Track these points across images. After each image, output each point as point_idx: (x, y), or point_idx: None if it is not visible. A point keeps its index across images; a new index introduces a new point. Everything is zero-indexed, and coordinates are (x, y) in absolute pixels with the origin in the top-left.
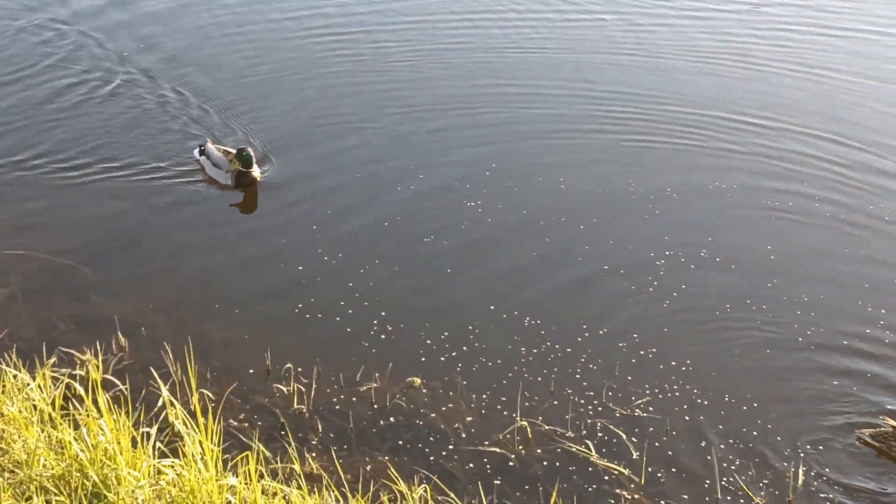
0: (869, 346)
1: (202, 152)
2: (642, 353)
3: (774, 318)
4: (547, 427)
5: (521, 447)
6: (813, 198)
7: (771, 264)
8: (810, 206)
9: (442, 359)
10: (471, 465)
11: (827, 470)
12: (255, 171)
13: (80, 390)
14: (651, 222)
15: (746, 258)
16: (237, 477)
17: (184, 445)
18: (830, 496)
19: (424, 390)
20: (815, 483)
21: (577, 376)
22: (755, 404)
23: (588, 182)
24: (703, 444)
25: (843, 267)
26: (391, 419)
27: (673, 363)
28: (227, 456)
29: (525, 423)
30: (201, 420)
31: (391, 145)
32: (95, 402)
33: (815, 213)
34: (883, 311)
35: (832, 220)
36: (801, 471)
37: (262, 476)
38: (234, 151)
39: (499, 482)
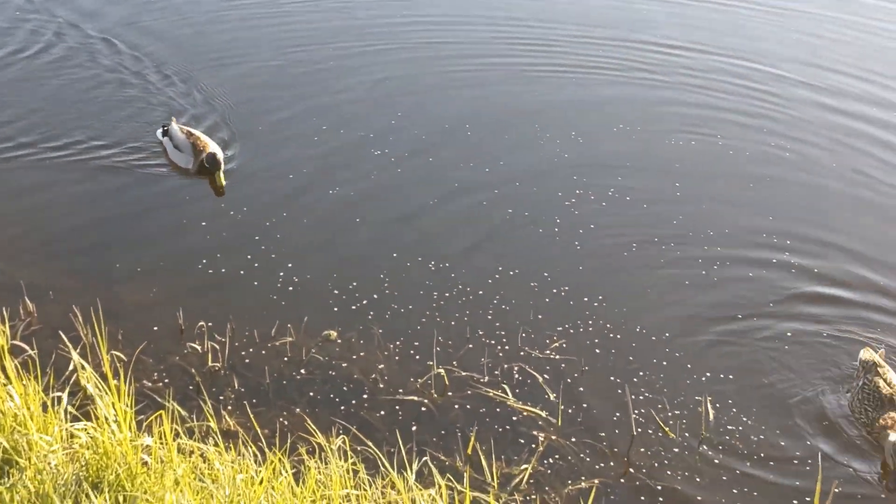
0: (782, 266)
1: (165, 133)
2: (555, 291)
3: (687, 251)
4: (463, 373)
5: (438, 394)
6: (722, 118)
7: (680, 189)
8: (720, 126)
9: (354, 308)
10: (389, 414)
11: (737, 403)
12: (221, 179)
13: None
14: (558, 158)
15: (654, 185)
16: (152, 437)
17: (96, 408)
18: (740, 429)
19: (340, 342)
20: (725, 417)
21: (491, 319)
22: (667, 336)
23: (494, 120)
24: (618, 381)
25: (757, 190)
26: (307, 373)
27: (585, 299)
28: (142, 417)
29: (441, 371)
30: (112, 382)
31: (299, 103)
32: (3, 368)
33: (725, 135)
34: (794, 232)
35: (739, 140)
36: (710, 406)
37: (178, 435)
38: (198, 133)
39: (417, 430)
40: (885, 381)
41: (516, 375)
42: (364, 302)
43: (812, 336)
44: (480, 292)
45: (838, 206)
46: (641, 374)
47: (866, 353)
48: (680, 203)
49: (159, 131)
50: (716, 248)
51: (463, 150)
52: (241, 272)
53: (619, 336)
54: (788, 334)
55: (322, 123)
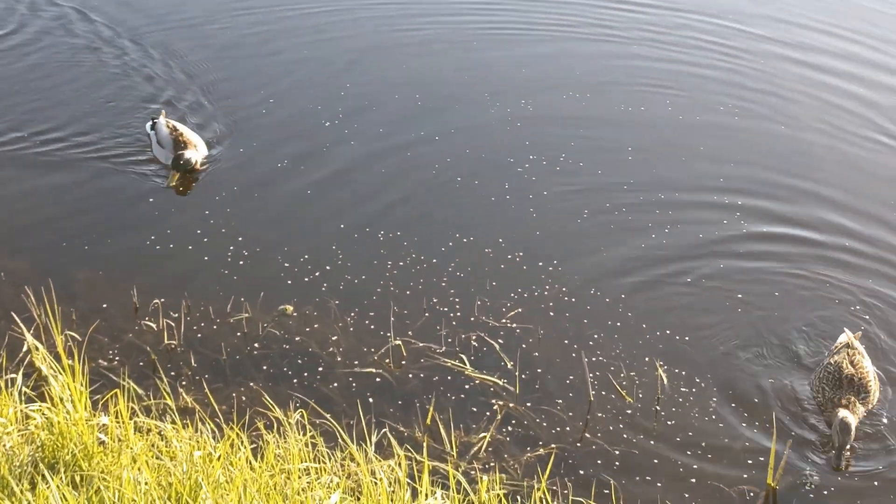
0: (738, 214)
1: (153, 126)
2: (510, 257)
3: (642, 212)
4: (420, 344)
5: (395, 366)
6: (683, 72)
7: (636, 148)
8: (675, 79)
9: (308, 281)
10: (347, 386)
11: (691, 366)
12: (174, 178)
13: None
14: (510, 121)
15: (610, 144)
16: (108, 416)
17: (51, 389)
18: (695, 391)
19: (296, 316)
20: (679, 381)
21: (446, 288)
22: (623, 298)
23: (446, 86)
24: (574, 346)
25: (715, 146)
26: (264, 347)
27: (540, 263)
28: (98, 396)
29: (398, 342)
30: (67, 362)
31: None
32: None
33: (685, 88)
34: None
35: (701, 93)
36: (663, 373)
37: (134, 414)
38: (183, 129)
39: (376, 401)
40: (850, 362)
41: (473, 344)
42: (318, 275)
43: (773, 283)
44: (434, 260)
45: (803, 154)
46: (598, 338)
47: (844, 337)
48: (635, 163)
49: (148, 124)
50: (668, 212)
51: (411, 118)
52: (192, 248)
53: (574, 300)
54: (745, 293)
55: (269, 95)
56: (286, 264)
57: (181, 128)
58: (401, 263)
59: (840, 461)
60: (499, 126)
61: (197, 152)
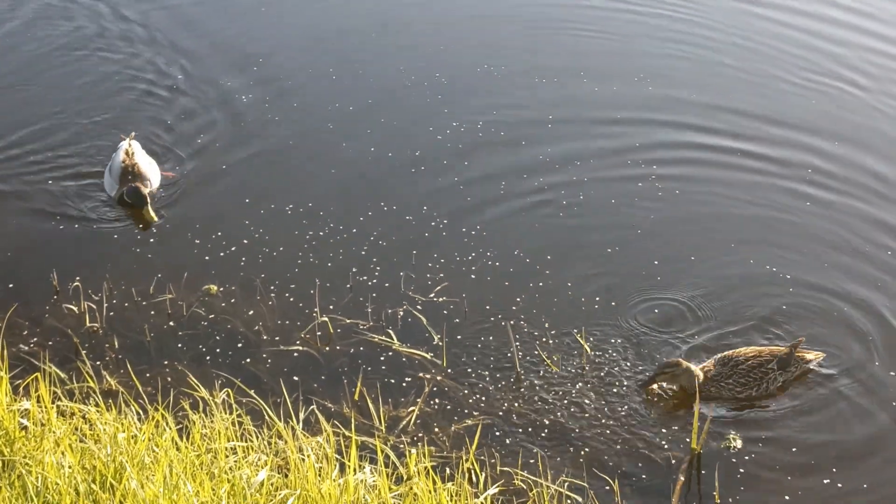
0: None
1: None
2: (433, 224)
3: (563, 173)
4: (348, 321)
5: (323, 343)
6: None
7: (563, 105)
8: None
9: (231, 260)
10: (274, 365)
11: (615, 334)
12: (150, 213)
13: None
14: (427, 78)
15: (536, 101)
16: (30, 400)
17: None
18: (620, 357)
19: (221, 295)
20: (603, 347)
21: (371, 262)
22: (548, 271)
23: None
24: (500, 317)
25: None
26: (189, 328)
27: (463, 229)
28: (19, 381)
29: (326, 319)
30: None
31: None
32: None
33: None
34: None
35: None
36: (586, 342)
37: (57, 398)
38: (140, 160)
39: (303, 379)
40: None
41: (400, 321)
42: (241, 253)
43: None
44: (354, 230)
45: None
46: (524, 309)
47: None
48: (559, 123)
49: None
50: (589, 172)
51: (325, 81)
52: (112, 230)
53: (500, 269)
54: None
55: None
56: (208, 245)
57: (139, 157)
58: (321, 236)
59: (647, 385)
60: (416, 83)
61: (144, 186)
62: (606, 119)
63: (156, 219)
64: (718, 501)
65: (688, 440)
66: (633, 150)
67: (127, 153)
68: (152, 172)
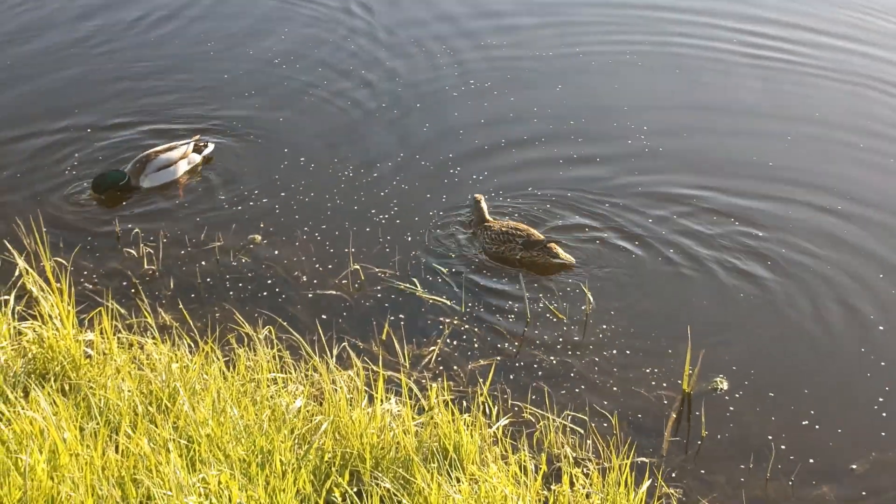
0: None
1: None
2: (457, 181)
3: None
4: (377, 269)
5: (354, 289)
6: None
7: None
8: None
9: (276, 214)
10: (311, 307)
11: (622, 288)
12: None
13: None
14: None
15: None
16: (94, 332)
17: (41, 308)
18: (618, 310)
19: (265, 246)
20: (606, 299)
21: (401, 220)
22: (556, 221)
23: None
24: (513, 273)
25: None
26: (235, 272)
27: (473, 178)
28: (84, 315)
29: (357, 267)
30: (55, 284)
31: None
32: None
33: None
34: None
35: None
36: (590, 294)
37: (117, 331)
38: (160, 149)
39: (337, 320)
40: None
41: (423, 272)
42: (283, 207)
43: None
44: (387, 190)
45: None
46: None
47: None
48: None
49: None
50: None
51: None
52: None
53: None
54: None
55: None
56: (253, 199)
57: (167, 154)
58: (361, 197)
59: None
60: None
61: (138, 178)
62: None
63: (92, 198)
64: (705, 434)
65: (679, 381)
66: None
67: (170, 148)
68: (163, 174)
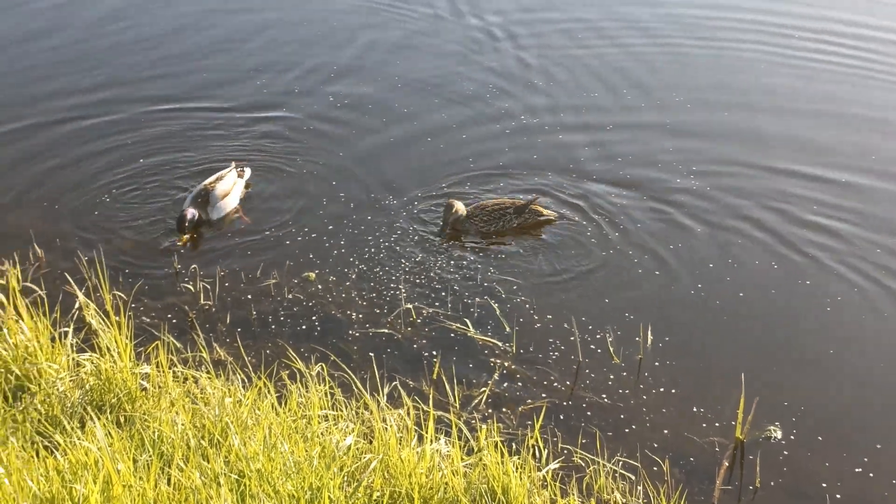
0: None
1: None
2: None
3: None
4: (430, 309)
5: (406, 328)
6: None
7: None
8: None
9: (330, 252)
10: (362, 345)
11: (675, 330)
12: (182, 238)
13: (2, 298)
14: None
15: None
16: (150, 365)
17: (99, 341)
18: (678, 353)
19: (319, 283)
20: (665, 340)
21: (454, 260)
22: (606, 275)
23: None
24: (565, 313)
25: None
26: (289, 309)
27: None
28: (141, 349)
29: (409, 307)
30: (114, 318)
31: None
32: (15, 306)
33: None
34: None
35: None
36: (650, 333)
37: (173, 364)
38: (214, 181)
39: (388, 358)
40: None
41: (475, 312)
42: (337, 246)
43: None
44: (436, 228)
45: None
46: (587, 306)
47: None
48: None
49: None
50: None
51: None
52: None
53: (565, 276)
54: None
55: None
56: (309, 238)
57: (221, 185)
58: (409, 234)
59: (443, 234)
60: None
61: (206, 210)
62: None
63: (183, 243)
64: (759, 484)
65: (733, 426)
66: None
67: (220, 178)
68: (226, 203)
